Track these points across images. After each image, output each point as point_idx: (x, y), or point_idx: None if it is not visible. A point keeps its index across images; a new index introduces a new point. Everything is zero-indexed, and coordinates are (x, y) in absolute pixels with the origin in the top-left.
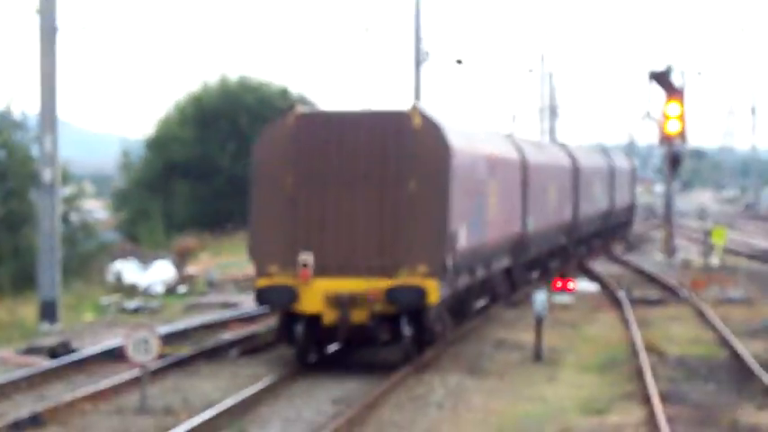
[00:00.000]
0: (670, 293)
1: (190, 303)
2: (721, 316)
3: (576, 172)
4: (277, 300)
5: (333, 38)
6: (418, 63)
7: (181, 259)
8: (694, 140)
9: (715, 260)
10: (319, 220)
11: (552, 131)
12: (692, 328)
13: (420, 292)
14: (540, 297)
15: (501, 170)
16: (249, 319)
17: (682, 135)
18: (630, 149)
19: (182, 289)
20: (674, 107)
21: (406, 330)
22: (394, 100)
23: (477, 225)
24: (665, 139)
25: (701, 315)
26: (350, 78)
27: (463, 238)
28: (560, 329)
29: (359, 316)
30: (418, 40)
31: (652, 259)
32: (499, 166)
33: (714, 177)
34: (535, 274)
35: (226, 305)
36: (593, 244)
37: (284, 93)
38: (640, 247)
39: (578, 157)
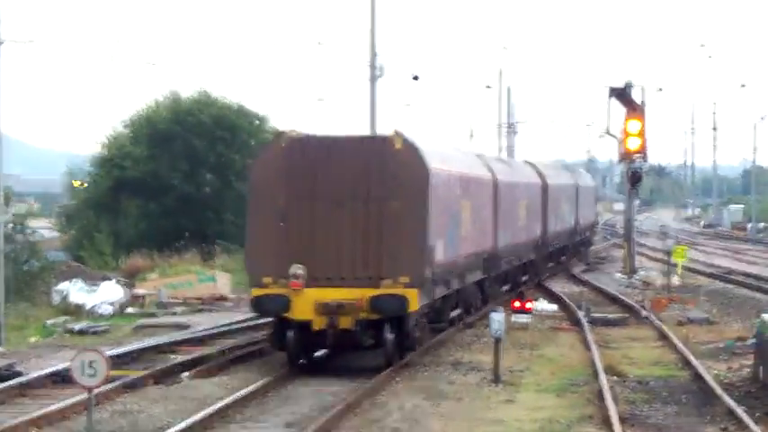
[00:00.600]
0: (631, 314)
1: (139, 325)
2: (683, 337)
3: (545, 190)
4: (271, 308)
5: (286, 52)
6: (373, 78)
7: (130, 279)
8: (655, 158)
9: (676, 279)
10: (309, 234)
11: (511, 148)
12: (653, 349)
13: (402, 301)
14: (498, 317)
15: (474, 189)
16: (200, 341)
17: (642, 152)
18: (590, 167)
19: (131, 310)
20: (634, 124)
21: (389, 335)
22: (348, 114)
23: (452, 240)
24: (626, 156)
25: (663, 336)
26: (305, 93)
27: (440, 252)
28: (519, 350)
29: (346, 322)
30: (374, 55)
31: (612, 278)
32: (472, 184)
33: (675, 195)
34: (506, 287)
35: (177, 326)
36: (559, 260)
37: (240, 110)
38: (601, 266)
39: (547, 174)
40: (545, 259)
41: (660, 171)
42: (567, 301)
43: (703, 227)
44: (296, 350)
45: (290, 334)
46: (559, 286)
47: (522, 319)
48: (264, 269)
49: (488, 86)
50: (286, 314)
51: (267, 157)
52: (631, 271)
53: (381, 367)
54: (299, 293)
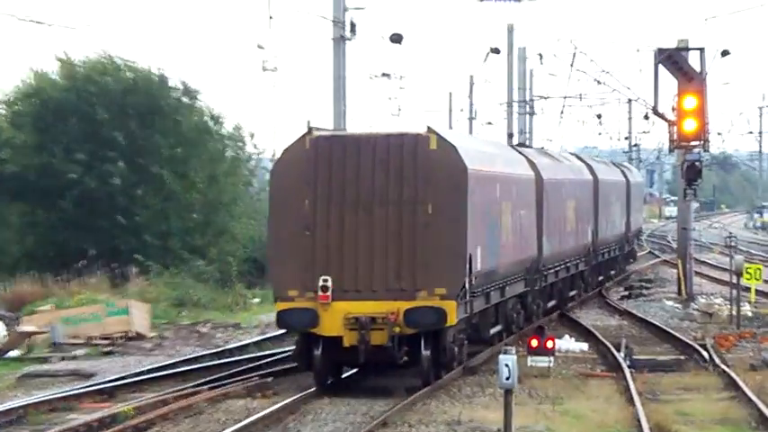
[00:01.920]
0: (687, 355)
1: (26, 372)
2: (757, 386)
3: (595, 187)
4: (297, 323)
5: (227, 11)
6: (340, 40)
7: (13, 312)
8: (720, 145)
9: (748, 309)
10: (337, 243)
11: (527, 132)
12: (717, 402)
13: (439, 313)
14: (509, 360)
15: (515, 189)
16: (109, 393)
17: (702, 138)
18: (632, 158)
19: (14, 353)
20: (690, 100)
21: (425, 351)
22: (308, 88)
23: (491, 248)
24: (680, 144)
25: (731, 385)
26: (251, 61)
27: (479, 261)
28: (537, 405)
29: (378, 337)
30: (342, 9)
31: (662, 308)
32: (513, 184)
33: (747, 195)
34: (551, 303)
35: (76, 374)
36: (609, 273)
37: (162, 80)
38: (646, 290)
39: (596, 168)
40: (594, 271)
41: (727, 163)
42: (602, 338)
43: None
44: (324, 369)
45: (318, 352)
46: (590, 318)
47: (542, 362)
48: (289, 281)
49: (494, 50)
50: (314, 329)
51: (289, 159)
52: (688, 297)
53: (416, 388)
54: (328, 307)
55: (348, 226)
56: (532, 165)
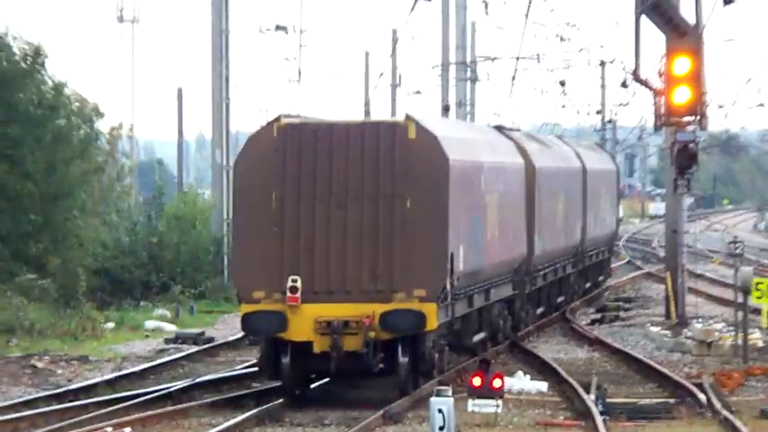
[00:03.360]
0: (678, 397)
1: None
2: None
3: (584, 177)
4: (264, 327)
5: None
6: None
7: None
8: (721, 121)
9: (759, 336)
10: (308, 240)
11: (468, 103)
12: None
13: (418, 317)
14: (444, 405)
15: (502, 180)
16: None
17: (697, 111)
18: (605, 139)
19: None
20: (682, 62)
21: (403, 358)
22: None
23: (475, 246)
24: (668, 120)
25: None
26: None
27: (461, 260)
28: None
29: (352, 343)
30: None
31: (646, 335)
32: (500, 174)
33: (757, 187)
34: (540, 310)
35: None
36: (596, 278)
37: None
38: (625, 312)
39: (584, 155)
40: (581, 275)
41: (731, 145)
42: (566, 375)
43: None
44: (293, 377)
45: (286, 359)
46: (551, 349)
47: (487, 406)
48: (255, 282)
49: None
50: (282, 334)
51: (255, 149)
52: (679, 322)
53: (392, 399)
54: (297, 310)
55: (319, 222)
56: (523, 151)
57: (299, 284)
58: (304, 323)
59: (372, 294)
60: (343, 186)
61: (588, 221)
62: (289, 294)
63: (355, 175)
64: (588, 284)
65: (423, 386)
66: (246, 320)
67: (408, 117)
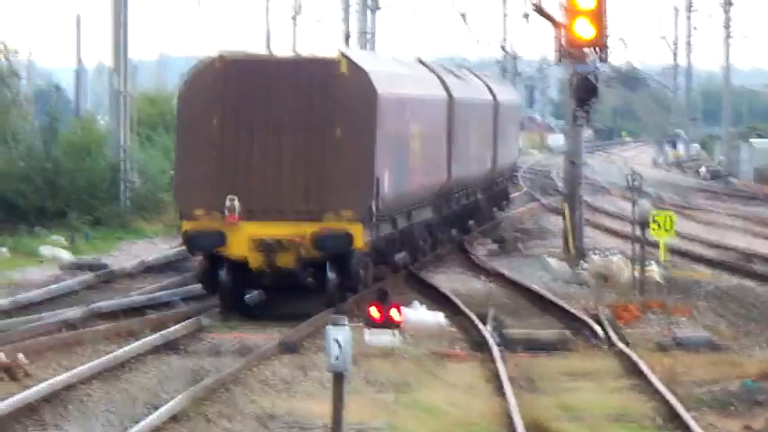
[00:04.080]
0: (575, 330)
1: None
2: (666, 372)
3: (496, 108)
4: (204, 244)
5: None
6: None
7: None
8: (621, 56)
9: (656, 270)
10: (245, 163)
11: (369, 33)
12: (613, 393)
13: (346, 237)
14: (340, 335)
15: (426, 111)
16: None
17: (599, 44)
18: (506, 71)
19: None
20: None
21: (331, 274)
22: None
23: (400, 172)
24: (569, 53)
25: (632, 370)
26: None
27: (387, 184)
28: (376, 394)
29: (285, 260)
30: None
31: (544, 267)
32: (424, 106)
33: (657, 121)
34: (454, 232)
35: None
36: (501, 203)
37: None
38: (523, 244)
39: (495, 88)
40: (491, 200)
41: (631, 78)
42: (463, 307)
43: (705, 177)
44: (230, 291)
45: (223, 273)
46: (450, 279)
47: (385, 338)
48: (196, 201)
49: None
50: (220, 250)
51: (199, 80)
52: (577, 254)
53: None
54: (235, 228)
55: (257, 147)
56: (443, 84)
57: (236, 204)
58: (241, 241)
59: (304, 215)
60: (279, 115)
61: (497, 151)
62: (227, 214)
63: (291, 105)
64: (495, 209)
65: (319, 314)
66: (187, 237)
67: (341, 53)
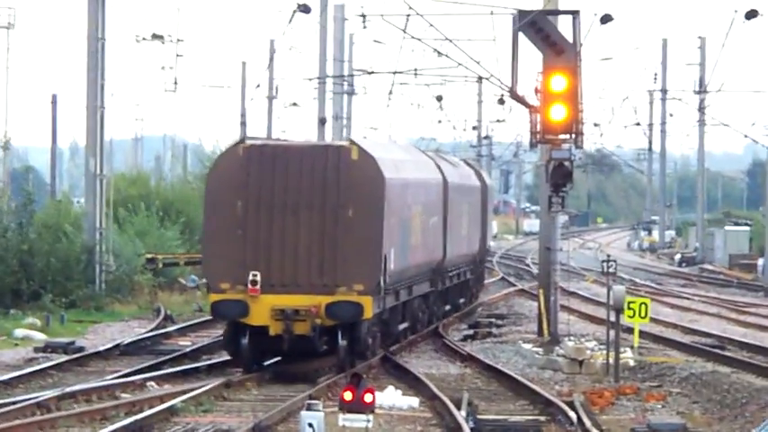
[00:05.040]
0: (549, 415)
1: None
2: None
3: (484, 192)
4: (229, 313)
5: None
6: None
7: None
8: (595, 141)
9: (630, 356)
10: (266, 242)
11: (344, 116)
12: None
13: (357, 308)
14: (314, 419)
15: (425, 194)
16: None
17: (573, 130)
18: (481, 154)
19: None
20: (559, 80)
21: (342, 341)
22: None
23: (403, 249)
24: (544, 137)
25: None
26: None
27: (392, 261)
28: None
29: (301, 327)
30: None
31: (518, 352)
32: (423, 189)
33: (631, 206)
34: (447, 307)
35: None
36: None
37: None
38: (498, 329)
39: (483, 173)
40: (478, 280)
41: (604, 163)
42: (437, 390)
43: (679, 263)
44: (251, 356)
45: (245, 340)
46: (425, 364)
47: (358, 421)
48: (222, 275)
49: (302, 7)
50: (243, 319)
51: (224, 165)
52: (551, 339)
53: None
54: (257, 299)
55: (276, 227)
56: (439, 168)
57: (258, 278)
58: (262, 310)
59: (319, 287)
60: (296, 197)
61: (484, 233)
62: (250, 286)
63: (306, 189)
64: (480, 285)
65: (296, 397)
66: (214, 307)
67: (352, 141)
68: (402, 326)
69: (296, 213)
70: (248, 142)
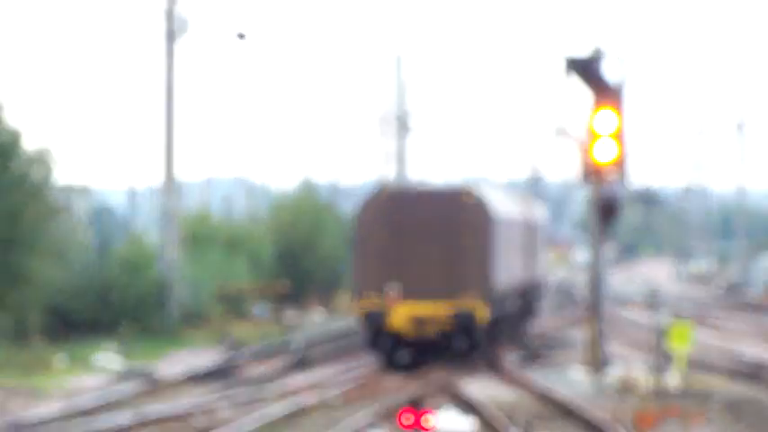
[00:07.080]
0: None
1: None
2: None
3: (545, 226)
4: (374, 319)
5: None
6: (171, 35)
7: None
8: (641, 177)
9: (674, 380)
10: (404, 264)
11: (399, 155)
12: None
13: (473, 314)
14: None
15: (519, 226)
16: None
17: (620, 167)
18: (534, 190)
19: None
20: (606, 118)
21: (461, 341)
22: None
23: (504, 270)
24: (592, 174)
25: None
26: None
27: (498, 279)
28: None
29: (430, 330)
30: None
31: (568, 377)
32: (514, 223)
33: (676, 238)
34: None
35: None
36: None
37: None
38: (549, 355)
39: (535, 210)
40: (536, 303)
41: (651, 198)
42: (493, 413)
43: (721, 291)
44: (390, 353)
45: (388, 341)
46: (480, 388)
47: None
48: (369, 288)
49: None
50: (385, 324)
51: (372, 205)
52: (600, 365)
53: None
54: (396, 308)
55: (411, 253)
56: (529, 207)
57: (398, 290)
58: (401, 317)
59: (444, 297)
60: (425, 230)
61: (542, 263)
62: (390, 297)
63: (433, 223)
64: (537, 309)
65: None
66: (362, 314)
67: (467, 187)
68: (503, 332)
69: (425, 241)
70: (389, 189)
